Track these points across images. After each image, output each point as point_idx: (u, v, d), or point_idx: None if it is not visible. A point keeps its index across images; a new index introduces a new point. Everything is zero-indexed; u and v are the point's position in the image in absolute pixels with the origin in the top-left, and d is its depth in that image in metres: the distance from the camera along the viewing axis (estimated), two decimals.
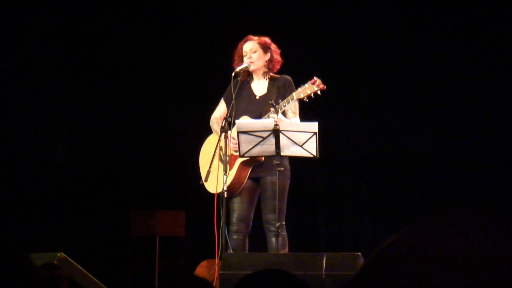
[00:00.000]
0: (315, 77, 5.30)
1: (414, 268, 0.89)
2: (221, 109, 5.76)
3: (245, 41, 5.62)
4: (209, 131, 5.79)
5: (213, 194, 5.44)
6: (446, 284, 0.87)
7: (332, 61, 7.42)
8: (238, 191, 5.51)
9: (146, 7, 7.83)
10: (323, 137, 5.22)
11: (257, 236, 5.68)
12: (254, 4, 7.63)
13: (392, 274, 0.91)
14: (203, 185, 5.61)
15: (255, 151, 5.22)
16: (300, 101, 5.38)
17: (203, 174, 5.65)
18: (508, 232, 0.89)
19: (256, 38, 5.62)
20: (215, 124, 5.71)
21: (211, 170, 5.55)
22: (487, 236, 0.90)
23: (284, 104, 5.33)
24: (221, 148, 5.48)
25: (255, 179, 5.54)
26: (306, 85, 5.31)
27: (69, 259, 4.81)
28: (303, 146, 5.14)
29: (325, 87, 5.29)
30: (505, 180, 6.96)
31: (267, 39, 5.64)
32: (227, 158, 5.37)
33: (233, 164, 5.47)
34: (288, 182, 5.50)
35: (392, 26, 7.36)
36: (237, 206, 5.51)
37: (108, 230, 7.62)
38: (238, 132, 5.17)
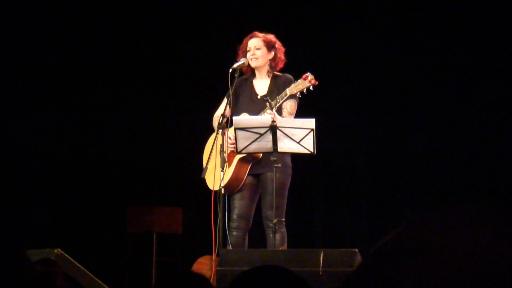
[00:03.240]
0: (307, 73, 5.27)
1: (413, 265, 0.89)
2: (223, 107, 5.70)
3: (251, 37, 5.54)
4: (211, 129, 5.74)
5: (210, 190, 5.43)
6: (446, 282, 0.87)
7: (330, 56, 7.41)
8: (239, 188, 5.48)
9: (144, 5, 7.81)
10: (320, 134, 5.21)
11: (257, 232, 5.67)
12: (256, 2, 7.59)
13: (390, 271, 0.91)
14: (204, 180, 5.58)
15: (252, 148, 5.20)
16: (300, 99, 5.35)
17: (204, 170, 5.63)
18: (508, 229, 0.89)
19: (261, 35, 5.54)
20: (217, 122, 5.68)
21: (209, 167, 5.53)
22: (487, 233, 0.89)
23: (278, 100, 5.29)
24: (220, 146, 5.45)
25: (256, 176, 5.50)
26: (299, 81, 5.27)
27: (66, 255, 4.80)
28: (301, 143, 5.13)
29: (317, 82, 5.24)
30: (504, 177, 6.96)
31: (272, 37, 5.55)
32: (225, 154, 5.36)
33: (232, 161, 5.45)
34: (289, 178, 5.46)
35: (390, 20, 7.36)
36: (238, 202, 5.48)
37: (105, 227, 7.61)
38: (235, 129, 5.16)
